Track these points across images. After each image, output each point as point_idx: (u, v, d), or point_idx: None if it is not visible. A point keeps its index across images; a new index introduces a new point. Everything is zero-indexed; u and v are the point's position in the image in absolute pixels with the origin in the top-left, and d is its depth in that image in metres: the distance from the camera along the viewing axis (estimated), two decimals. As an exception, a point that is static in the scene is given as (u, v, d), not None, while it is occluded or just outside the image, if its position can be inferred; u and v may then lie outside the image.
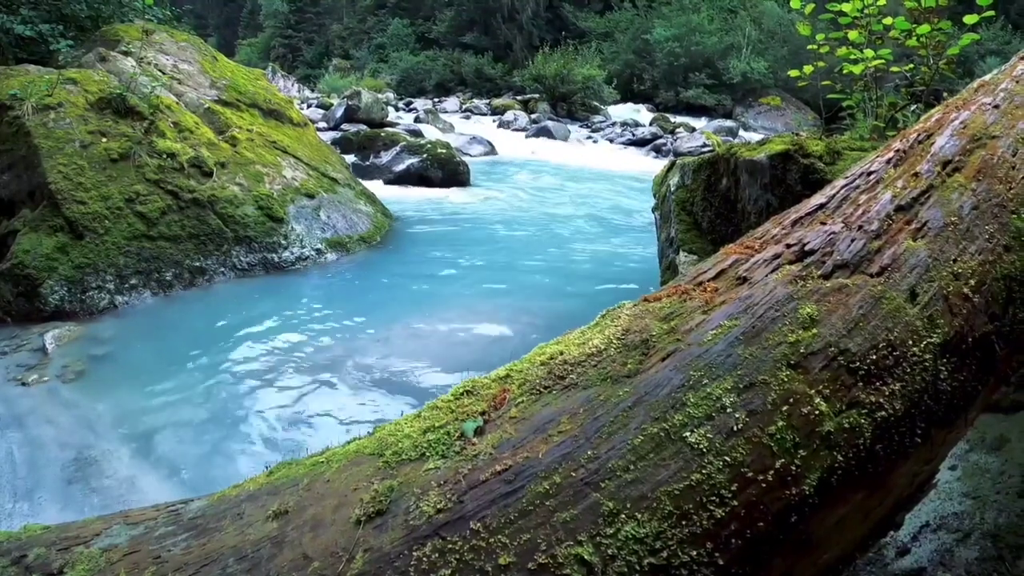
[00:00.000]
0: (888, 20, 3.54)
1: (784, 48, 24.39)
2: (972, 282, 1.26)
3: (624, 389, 1.12)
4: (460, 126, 18.51)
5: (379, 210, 7.51)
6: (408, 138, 11.28)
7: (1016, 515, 1.81)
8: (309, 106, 18.56)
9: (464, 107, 24.15)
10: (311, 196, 6.52)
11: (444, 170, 10.24)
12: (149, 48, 6.79)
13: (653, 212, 4.84)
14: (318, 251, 6.19)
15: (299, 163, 6.83)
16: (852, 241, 1.28)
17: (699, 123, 20.98)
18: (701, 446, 1.04)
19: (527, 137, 17.67)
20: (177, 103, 6.22)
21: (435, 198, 9.43)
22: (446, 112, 21.83)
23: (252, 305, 5.11)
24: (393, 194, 9.19)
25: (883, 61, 3.62)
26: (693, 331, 1.18)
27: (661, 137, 17.60)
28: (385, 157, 10.47)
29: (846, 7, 3.57)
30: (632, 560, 0.96)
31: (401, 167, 10.22)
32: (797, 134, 3.48)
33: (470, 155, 13.27)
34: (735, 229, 3.48)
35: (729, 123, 20.86)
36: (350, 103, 15.80)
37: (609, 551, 0.97)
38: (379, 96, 18.19)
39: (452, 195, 9.71)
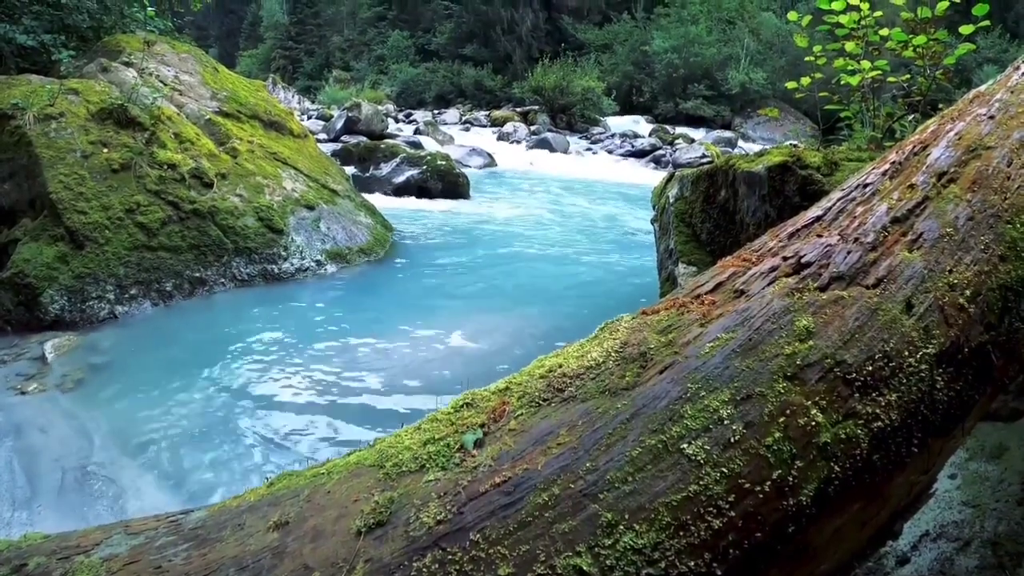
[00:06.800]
0: (885, 31, 3.56)
1: (782, 59, 24.54)
2: (968, 292, 1.26)
3: (622, 401, 1.12)
4: (460, 138, 18.57)
5: (379, 222, 7.53)
6: (408, 150, 11.32)
7: (1016, 523, 1.81)
8: (309, 118, 18.69)
9: (464, 119, 24.27)
10: (311, 207, 6.54)
11: (444, 182, 10.28)
12: (150, 59, 6.84)
13: (652, 224, 4.85)
14: (318, 262, 6.20)
15: (299, 174, 6.86)
16: (848, 253, 1.29)
17: (698, 134, 21.07)
18: (699, 457, 1.04)
19: (526, 149, 17.75)
20: (178, 114, 6.25)
21: (435, 210, 9.46)
22: (446, 124, 21.93)
23: (252, 316, 5.12)
24: (393, 205, 9.22)
25: (880, 72, 3.64)
26: (691, 344, 1.19)
27: (660, 148, 17.68)
28: (385, 169, 10.51)
29: (843, 19, 3.59)
30: (630, 570, 0.97)
31: (401, 179, 10.26)
32: (795, 145, 3.49)
33: (470, 167, 13.33)
34: (734, 240, 3.49)
35: (728, 134, 20.96)
36: (350, 115, 15.87)
37: (607, 561, 0.97)
38: (379, 108, 18.28)
39: (452, 207, 9.74)
